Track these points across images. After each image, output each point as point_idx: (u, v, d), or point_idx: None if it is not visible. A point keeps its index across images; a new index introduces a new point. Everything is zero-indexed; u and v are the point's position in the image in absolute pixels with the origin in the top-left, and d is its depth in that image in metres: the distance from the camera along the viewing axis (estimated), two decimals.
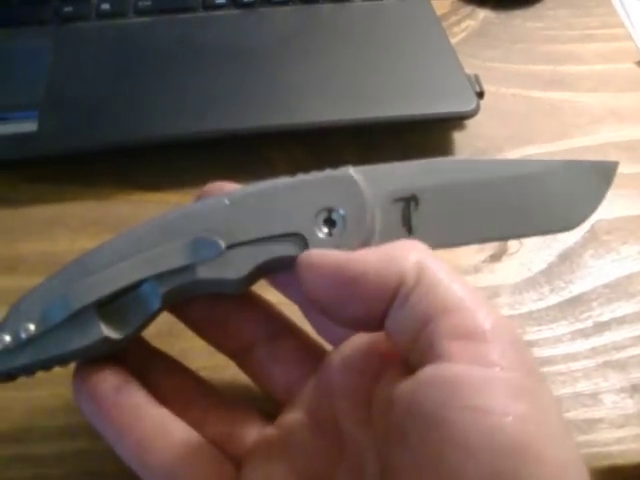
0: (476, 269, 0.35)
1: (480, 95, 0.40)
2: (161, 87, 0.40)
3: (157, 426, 0.22)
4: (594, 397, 0.30)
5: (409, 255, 0.21)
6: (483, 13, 0.49)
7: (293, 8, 0.44)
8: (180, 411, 0.23)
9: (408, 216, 0.24)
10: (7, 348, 0.22)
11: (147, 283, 0.22)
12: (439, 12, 0.46)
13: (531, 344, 0.32)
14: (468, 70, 0.41)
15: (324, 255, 0.21)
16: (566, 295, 0.34)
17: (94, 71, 0.41)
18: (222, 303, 0.25)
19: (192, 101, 0.39)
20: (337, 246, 0.22)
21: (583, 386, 0.31)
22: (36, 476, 0.27)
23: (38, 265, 0.34)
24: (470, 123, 0.41)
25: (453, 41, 0.44)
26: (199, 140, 0.37)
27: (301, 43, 0.42)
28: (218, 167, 0.38)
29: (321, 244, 0.22)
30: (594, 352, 0.32)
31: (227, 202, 0.23)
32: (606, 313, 0.33)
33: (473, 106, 0.39)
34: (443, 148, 0.40)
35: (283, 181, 0.23)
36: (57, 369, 0.24)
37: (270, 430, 0.24)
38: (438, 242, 0.24)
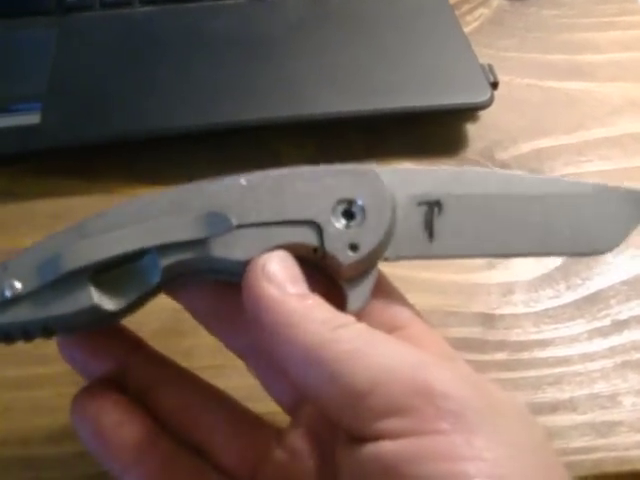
0: (490, 265, 0.34)
1: (494, 85, 0.38)
2: (167, 78, 0.39)
3: (162, 461, 0.22)
4: (613, 399, 0.29)
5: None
6: (497, 1, 0.48)
7: None
8: (185, 432, 0.23)
9: (430, 221, 0.23)
10: None
11: (148, 255, 0.21)
12: (451, 0, 0.45)
13: (547, 343, 0.31)
14: (482, 60, 0.40)
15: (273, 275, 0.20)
16: (583, 292, 0.33)
17: (98, 62, 0.40)
18: (232, 296, 0.23)
19: (199, 92, 0.38)
20: (353, 239, 0.21)
21: (601, 387, 0.30)
22: (38, 478, 0.27)
23: None
24: (484, 114, 0.40)
25: (466, 30, 0.43)
26: (206, 132, 0.37)
27: (311, 32, 0.41)
28: (225, 160, 0.37)
29: (337, 235, 0.21)
30: (612, 352, 0.31)
31: (243, 182, 0.22)
32: (625, 311, 0.32)
33: (487, 97, 0.37)
34: (456, 140, 0.39)
35: (304, 168, 0.23)
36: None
37: (278, 453, 0.23)
38: (457, 251, 0.23)
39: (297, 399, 0.24)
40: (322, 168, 0.23)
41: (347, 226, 0.22)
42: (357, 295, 0.22)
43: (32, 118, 0.37)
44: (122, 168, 0.37)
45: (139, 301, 0.22)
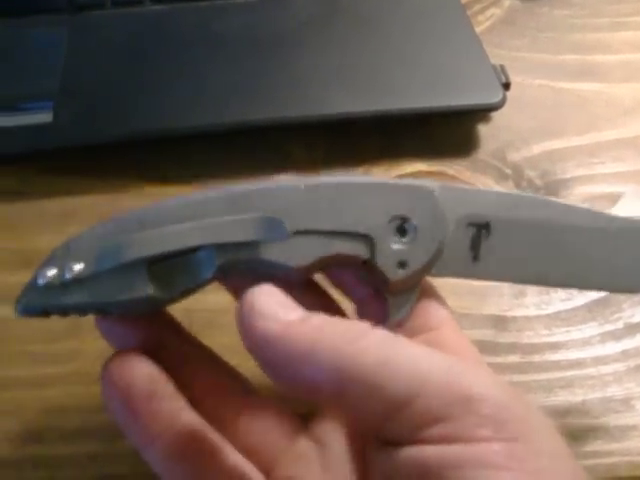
0: None
1: (506, 86, 0.38)
2: (178, 77, 0.39)
3: (188, 434, 0.21)
4: (626, 403, 0.29)
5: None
6: (508, 1, 0.47)
7: None
8: (211, 412, 0.23)
9: (478, 243, 0.23)
10: (50, 284, 0.21)
11: (204, 250, 0.22)
12: (463, 0, 0.44)
13: (559, 346, 0.31)
14: (493, 60, 0.40)
15: (269, 308, 0.20)
16: (595, 295, 0.33)
17: (110, 61, 0.40)
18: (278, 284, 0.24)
19: (210, 92, 0.38)
20: (403, 257, 0.22)
21: (614, 391, 0.29)
22: (51, 478, 0.27)
23: None
24: (495, 115, 0.39)
25: (477, 30, 0.43)
26: (217, 132, 0.36)
27: (322, 32, 0.41)
28: (236, 159, 0.37)
29: (388, 251, 0.22)
30: (625, 355, 0.31)
31: (302, 187, 0.22)
32: (637, 315, 0.32)
33: (499, 98, 0.37)
34: (468, 141, 0.39)
35: (362, 179, 0.23)
36: None
37: (303, 442, 0.23)
38: (498, 275, 0.23)
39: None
40: (381, 181, 0.23)
41: (399, 242, 0.22)
42: (400, 307, 0.22)
43: (44, 117, 0.36)
44: (133, 167, 0.37)
45: (189, 292, 0.22)
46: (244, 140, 0.38)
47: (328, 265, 0.23)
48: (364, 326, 0.19)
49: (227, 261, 0.22)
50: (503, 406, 0.18)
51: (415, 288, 0.23)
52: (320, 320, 0.20)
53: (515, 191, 0.25)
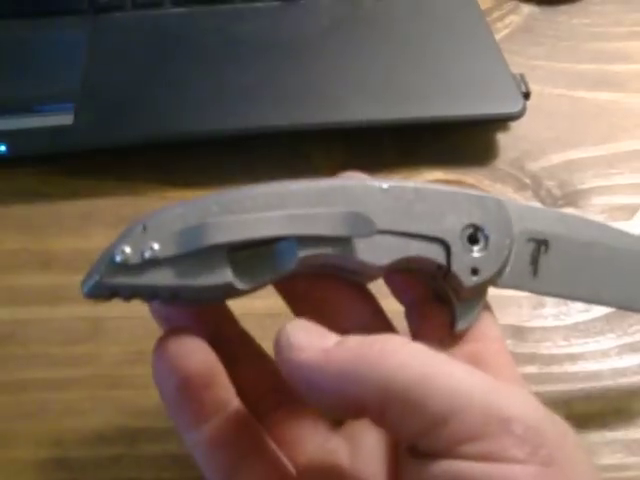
0: None
1: (526, 96, 0.38)
2: (198, 81, 0.39)
3: (235, 422, 0.22)
4: None
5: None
6: (527, 8, 0.47)
7: (334, 1, 0.43)
8: (251, 403, 0.23)
9: (537, 258, 0.24)
10: (127, 262, 0.20)
11: (286, 242, 0.21)
12: (482, 7, 0.44)
13: (577, 357, 0.31)
14: (512, 68, 0.40)
15: (307, 341, 0.20)
16: None
17: (130, 63, 0.40)
18: (323, 280, 0.24)
19: (230, 96, 0.38)
20: (475, 264, 0.22)
21: (632, 403, 0.29)
22: None
23: (71, 262, 0.34)
24: (514, 124, 0.39)
25: (496, 37, 0.43)
26: (236, 136, 0.37)
27: (342, 38, 0.41)
28: (254, 164, 0.38)
29: (462, 257, 0.22)
30: None
31: (385, 186, 0.22)
32: None
33: (519, 107, 0.37)
34: (487, 149, 0.39)
35: (438, 186, 0.23)
36: None
37: (335, 439, 0.23)
38: (555, 290, 0.24)
39: None
40: (455, 189, 0.23)
41: (471, 250, 0.22)
42: (467, 316, 0.23)
43: (65, 119, 0.37)
44: (153, 170, 0.37)
45: (267, 283, 0.22)
46: (263, 145, 0.38)
47: (405, 267, 0.23)
48: (400, 340, 0.20)
49: (309, 255, 0.21)
50: (540, 430, 0.18)
51: (481, 297, 0.23)
52: (356, 341, 0.20)
53: (571, 212, 0.27)
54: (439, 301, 0.24)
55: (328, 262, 0.22)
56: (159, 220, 0.21)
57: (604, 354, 0.31)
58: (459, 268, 0.22)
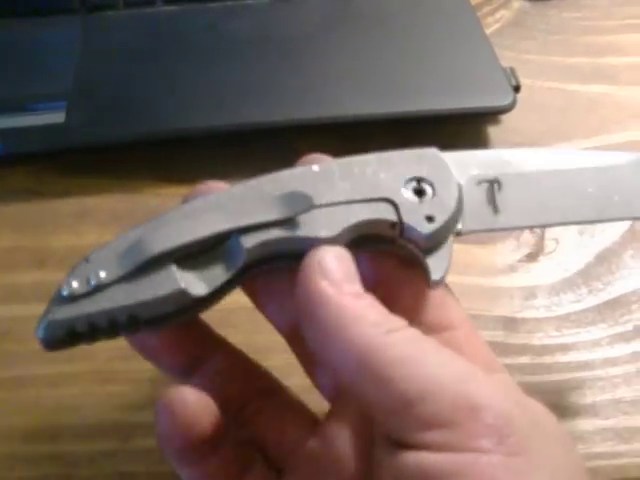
0: (512, 269, 0.34)
1: (516, 89, 0.38)
2: (191, 78, 0.39)
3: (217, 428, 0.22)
4: (635, 404, 0.29)
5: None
6: (518, 3, 0.48)
7: None
8: (236, 410, 0.23)
9: (493, 197, 0.24)
10: (74, 294, 0.20)
11: (231, 239, 0.22)
12: (472, 2, 0.45)
13: (568, 347, 0.31)
14: (503, 62, 0.40)
15: (334, 268, 0.20)
16: (604, 297, 0.33)
17: (122, 61, 0.40)
18: (286, 275, 0.23)
19: (223, 92, 0.38)
20: (428, 212, 0.22)
21: (623, 392, 0.30)
22: (68, 475, 0.27)
23: (66, 259, 0.34)
24: (505, 117, 0.40)
25: (487, 32, 0.43)
26: (230, 132, 0.37)
27: (333, 34, 0.41)
28: (249, 160, 0.37)
29: (413, 209, 0.22)
30: (635, 357, 0.31)
31: (316, 168, 0.23)
32: None
33: (509, 100, 0.38)
34: (478, 143, 0.39)
35: (370, 155, 0.23)
36: None
37: (312, 440, 0.23)
38: (522, 222, 0.25)
39: (339, 388, 0.24)
40: (387, 153, 0.23)
41: (420, 201, 0.23)
42: (437, 265, 0.23)
43: (57, 117, 0.37)
44: (147, 167, 0.37)
45: (223, 288, 0.22)
46: (258, 140, 0.38)
47: (358, 237, 0.23)
48: (401, 322, 0.20)
49: (256, 244, 0.21)
50: (509, 419, 0.18)
51: (446, 246, 0.23)
52: (367, 302, 0.20)
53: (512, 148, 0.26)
54: (409, 267, 0.23)
55: (280, 249, 0.22)
56: (101, 250, 0.21)
57: (595, 344, 0.31)
58: (412, 219, 0.22)
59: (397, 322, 0.20)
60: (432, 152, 0.24)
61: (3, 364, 0.30)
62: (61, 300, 0.21)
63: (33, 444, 0.28)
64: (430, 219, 0.22)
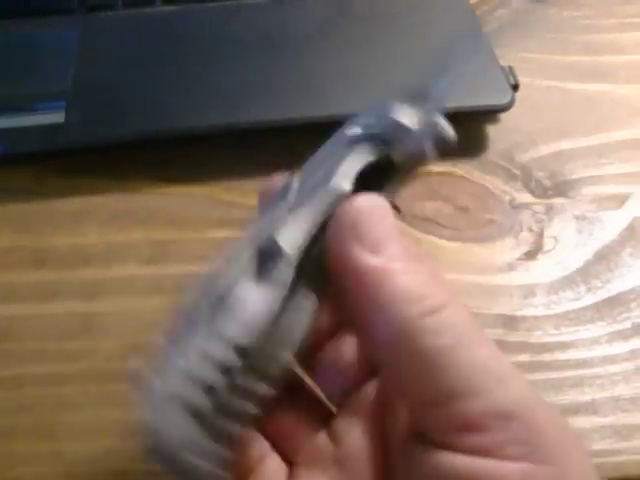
0: (511, 267, 0.34)
1: (515, 88, 0.38)
2: (190, 77, 0.39)
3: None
4: (634, 402, 0.29)
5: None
6: (516, 2, 0.48)
7: None
8: None
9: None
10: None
11: None
12: (471, 0, 0.45)
13: (567, 345, 0.31)
14: (501, 61, 0.40)
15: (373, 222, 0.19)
16: (603, 295, 0.33)
17: (121, 61, 0.40)
18: None
19: (222, 92, 0.38)
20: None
21: (622, 390, 0.30)
22: (67, 474, 0.27)
23: (66, 259, 0.34)
24: (504, 116, 0.40)
25: (486, 31, 0.43)
26: (229, 132, 0.37)
27: (331, 33, 0.41)
28: (248, 159, 0.38)
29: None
30: (633, 355, 0.31)
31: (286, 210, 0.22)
32: None
33: (508, 99, 0.38)
34: (476, 141, 0.39)
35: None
36: None
37: (322, 436, 0.23)
38: None
39: (346, 388, 0.23)
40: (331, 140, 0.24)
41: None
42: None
43: (56, 117, 0.37)
44: (147, 167, 0.37)
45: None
46: (256, 140, 0.38)
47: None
48: (440, 299, 0.18)
49: None
50: (541, 427, 0.18)
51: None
52: (410, 267, 0.19)
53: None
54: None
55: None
56: None
57: (594, 342, 0.31)
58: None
59: (435, 299, 0.18)
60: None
61: (3, 364, 0.30)
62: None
63: (32, 443, 0.28)
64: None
